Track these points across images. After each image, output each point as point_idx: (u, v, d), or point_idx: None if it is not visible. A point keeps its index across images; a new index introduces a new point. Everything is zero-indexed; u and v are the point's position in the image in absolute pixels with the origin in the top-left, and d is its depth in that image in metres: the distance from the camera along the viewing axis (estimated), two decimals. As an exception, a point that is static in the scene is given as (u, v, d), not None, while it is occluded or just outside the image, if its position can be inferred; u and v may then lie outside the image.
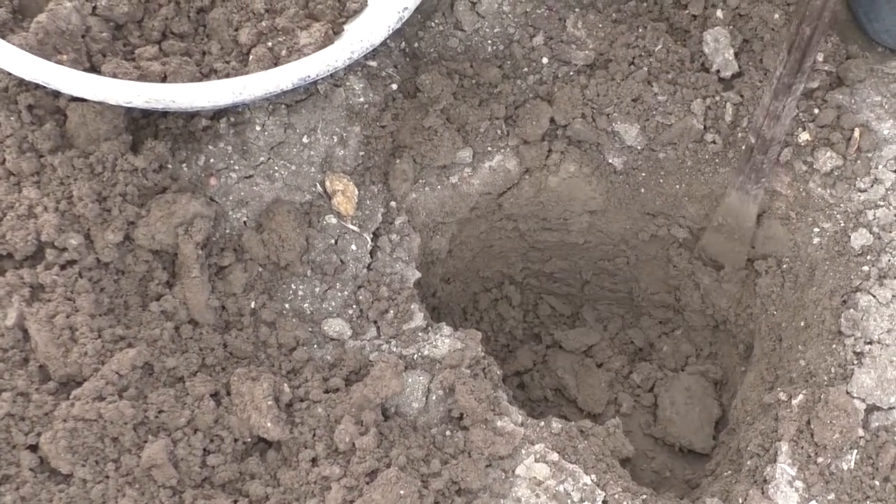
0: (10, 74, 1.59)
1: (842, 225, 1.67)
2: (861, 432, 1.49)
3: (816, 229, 1.69)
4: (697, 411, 1.95)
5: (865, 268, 1.61)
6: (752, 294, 1.85)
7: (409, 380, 1.53)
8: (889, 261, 1.61)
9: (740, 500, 1.46)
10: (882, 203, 1.66)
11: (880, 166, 1.69)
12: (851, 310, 1.58)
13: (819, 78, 1.78)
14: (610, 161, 1.84)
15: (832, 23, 1.51)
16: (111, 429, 1.41)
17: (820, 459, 1.47)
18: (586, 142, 1.83)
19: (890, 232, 1.64)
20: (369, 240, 1.68)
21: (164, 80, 1.58)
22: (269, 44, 1.65)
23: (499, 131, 1.80)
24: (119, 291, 1.54)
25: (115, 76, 1.54)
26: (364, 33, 1.59)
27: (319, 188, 1.67)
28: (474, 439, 1.47)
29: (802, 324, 1.66)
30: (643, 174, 1.85)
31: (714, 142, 1.80)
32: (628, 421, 2.02)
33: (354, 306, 1.63)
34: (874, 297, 1.58)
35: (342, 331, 1.60)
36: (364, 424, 1.46)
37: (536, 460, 1.47)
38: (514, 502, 1.44)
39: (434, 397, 1.53)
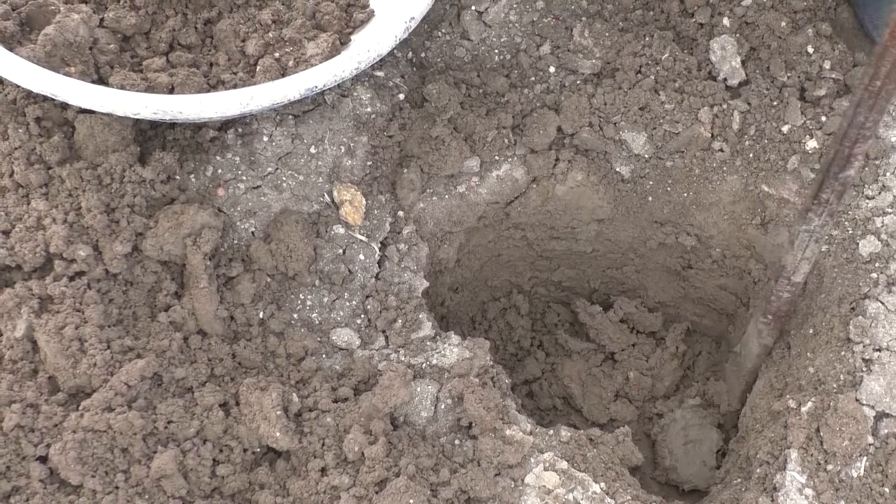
0: (18, 87, 1.59)
1: (850, 232, 1.67)
2: (870, 439, 1.49)
3: (825, 237, 1.69)
4: (696, 450, 1.94)
5: (874, 275, 1.61)
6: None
7: (418, 389, 1.53)
8: (897, 268, 1.61)
9: (750, 508, 1.47)
10: (890, 210, 1.66)
11: (888, 173, 1.69)
12: (860, 317, 1.58)
13: (826, 86, 1.78)
14: (617, 169, 1.84)
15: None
16: (120, 439, 1.41)
17: (829, 467, 1.47)
18: (593, 150, 1.83)
19: (898, 239, 1.64)
20: (377, 249, 1.68)
21: (171, 91, 1.58)
22: (277, 55, 1.65)
23: (506, 140, 1.80)
24: (128, 302, 1.54)
25: (122, 88, 1.55)
26: (371, 44, 1.60)
27: (327, 198, 1.67)
28: (483, 448, 1.47)
29: (811, 331, 1.66)
30: (651, 182, 1.85)
31: (721, 150, 1.80)
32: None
33: (363, 316, 1.63)
34: (883, 304, 1.58)
35: (351, 340, 1.60)
36: (373, 434, 1.46)
37: (546, 469, 1.47)
38: (524, 511, 1.44)
39: (443, 406, 1.53)
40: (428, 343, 1.62)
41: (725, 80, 1.82)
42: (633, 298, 2.12)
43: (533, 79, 1.84)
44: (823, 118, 1.76)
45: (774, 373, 1.74)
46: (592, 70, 1.84)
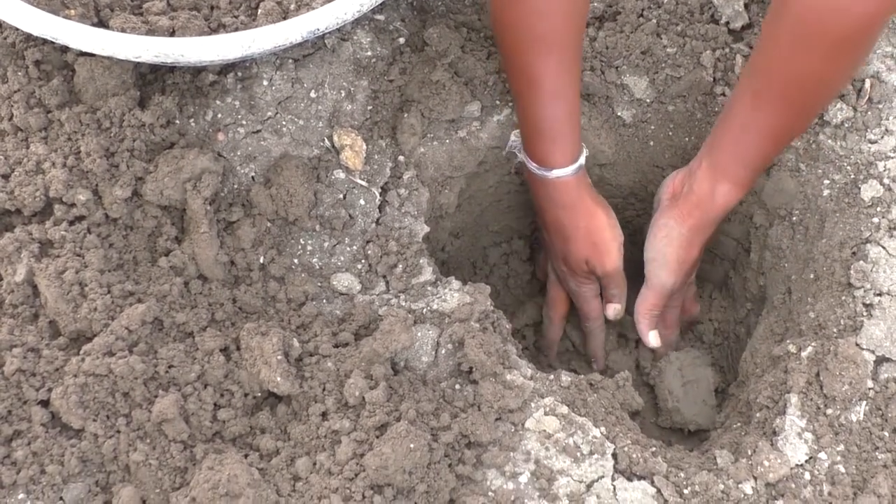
0: (17, 30, 1.58)
1: (852, 177, 1.67)
2: (870, 384, 1.49)
3: (826, 181, 1.69)
4: (695, 390, 1.94)
5: (875, 219, 1.61)
6: (761, 247, 1.85)
7: (419, 334, 1.53)
8: (899, 212, 1.61)
9: (749, 452, 1.47)
10: (892, 154, 1.65)
11: (891, 118, 1.68)
12: (861, 262, 1.58)
13: (830, 29, 1.77)
14: (619, 114, 1.83)
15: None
16: (122, 384, 1.41)
17: (829, 411, 1.48)
18: (595, 95, 1.82)
19: (900, 184, 1.63)
20: (378, 194, 1.68)
21: (172, 34, 1.57)
22: (278, -2, 1.64)
23: (507, 85, 1.79)
24: (128, 247, 1.54)
25: (123, 31, 1.54)
26: (373, -14, 1.59)
27: (327, 143, 1.67)
28: (484, 393, 1.47)
29: (812, 276, 1.66)
30: (652, 127, 1.85)
31: (724, 94, 1.79)
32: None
33: (363, 261, 1.63)
34: (884, 248, 1.58)
35: (351, 285, 1.61)
36: (374, 378, 1.46)
37: (546, 413, 1.48)
38: (524, 455, 1.44)
39: (443, 351, 1.53)
40: (429, 288, 1.62)
41: (728, 23, 1.81)
42: (633, 244, 2.12)
43: (534, 22, 1.82)
44: (827, 62, 1.75)
45: (775, 318, 1.74)
46: (594, 13, 1.83)
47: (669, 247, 1.75)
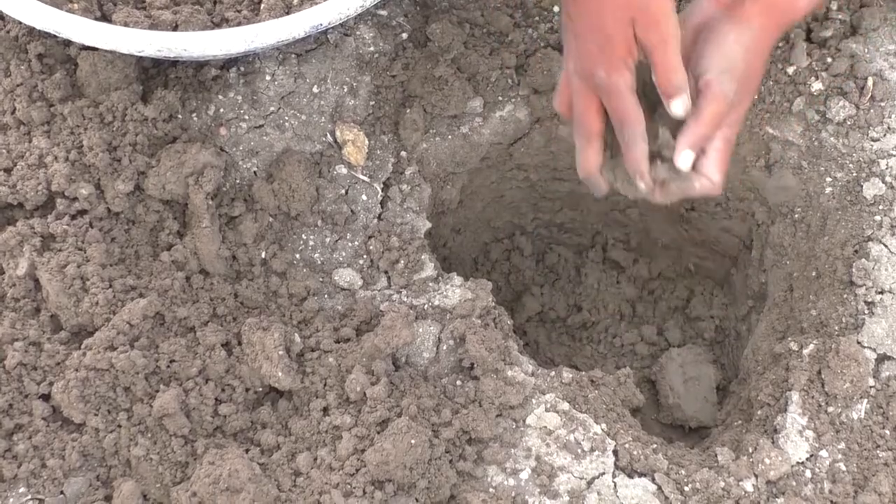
0: (20, 23, 1.58)
1: (854, 174, 1.67)
2: (871, 382, 1.49)
3: (829, 179, 1.69)
4: (697, 387, 1.94)
5: (878, 217, 1.61)
6: (763, 244, 1.84)
7: (420, 330, 1.53)
8: (901, 210, 1.61)
9: (750, 450, 1.47)
10: (895, 152, 1.65)
11: (893, 115, 1.68)
12: (863, 259, 1.58)
13: (833, 27, 1.76)
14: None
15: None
16: (123, 378, 1.41)
17: (830, 409, 1.48)
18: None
19: (902, 181, 1.63)
20: (380, 190, 1.68)
21: (175, 29, 1.57)
22: (281, -8, 1.64)
23: (509, 81, 1.79)
24: (130, 241, 1.54)
25: (126, 25, 1.54)
26: (375, -18, 1.58)
27: (330, 138, 1.67)
28: (485, 389, 1.47)
29: (814, 273, 1.66)
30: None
31: (726, 91, 1.79)
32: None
33: (365, 256, 1.63)
34: (886, 246, 1.58)
35: (353, 281, 1.61)
36: (375, 374, 1.46)
37: (547, 410, 1.48)
38: (525, 451, 1.44)
39: (445, 347, 1.53)
40: (430, 284, 1.62)
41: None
42: (629, 249, 2.12)
43: (537, 18, 1.82)
44: (829, 59, 1.75)
45: (776, 315, 1.74)
46: (597, 10, 1.82)
47: (740, 50, 1.36)
